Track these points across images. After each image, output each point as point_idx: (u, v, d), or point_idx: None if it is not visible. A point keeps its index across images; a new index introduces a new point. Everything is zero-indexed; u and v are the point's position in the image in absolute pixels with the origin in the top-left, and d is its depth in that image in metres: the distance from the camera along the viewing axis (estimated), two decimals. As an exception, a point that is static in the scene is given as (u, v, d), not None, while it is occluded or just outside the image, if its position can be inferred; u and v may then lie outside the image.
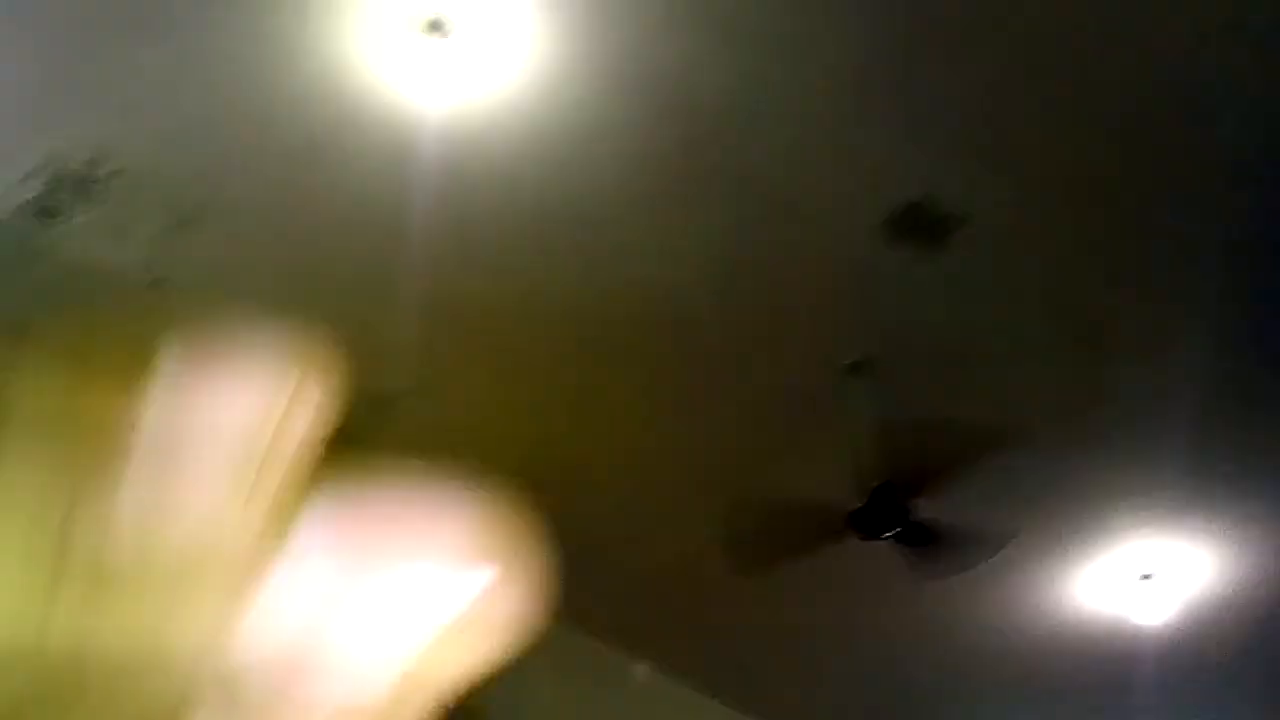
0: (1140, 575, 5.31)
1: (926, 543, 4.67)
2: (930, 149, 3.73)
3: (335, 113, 3.53)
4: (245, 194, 3.68)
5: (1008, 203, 3.91)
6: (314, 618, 0.41)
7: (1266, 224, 3.94)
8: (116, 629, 0.40)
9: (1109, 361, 4.42)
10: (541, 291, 4.05)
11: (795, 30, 3.40)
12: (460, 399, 4.46)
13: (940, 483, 4.67)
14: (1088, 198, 3.85)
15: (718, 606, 5.52)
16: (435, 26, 3.39)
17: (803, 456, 4.69)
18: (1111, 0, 3.35)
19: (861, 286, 4.08)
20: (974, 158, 3.73)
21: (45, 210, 3.55)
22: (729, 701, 6.18)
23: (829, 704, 6.21)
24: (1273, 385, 4.45)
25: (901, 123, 3.63)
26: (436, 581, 0.42)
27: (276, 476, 0.40)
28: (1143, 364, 4.37)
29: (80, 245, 3.59)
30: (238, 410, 0.39)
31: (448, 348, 4.23)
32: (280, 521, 0.40)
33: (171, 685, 0.40)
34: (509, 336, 4.24)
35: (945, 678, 6.05)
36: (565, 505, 4.94)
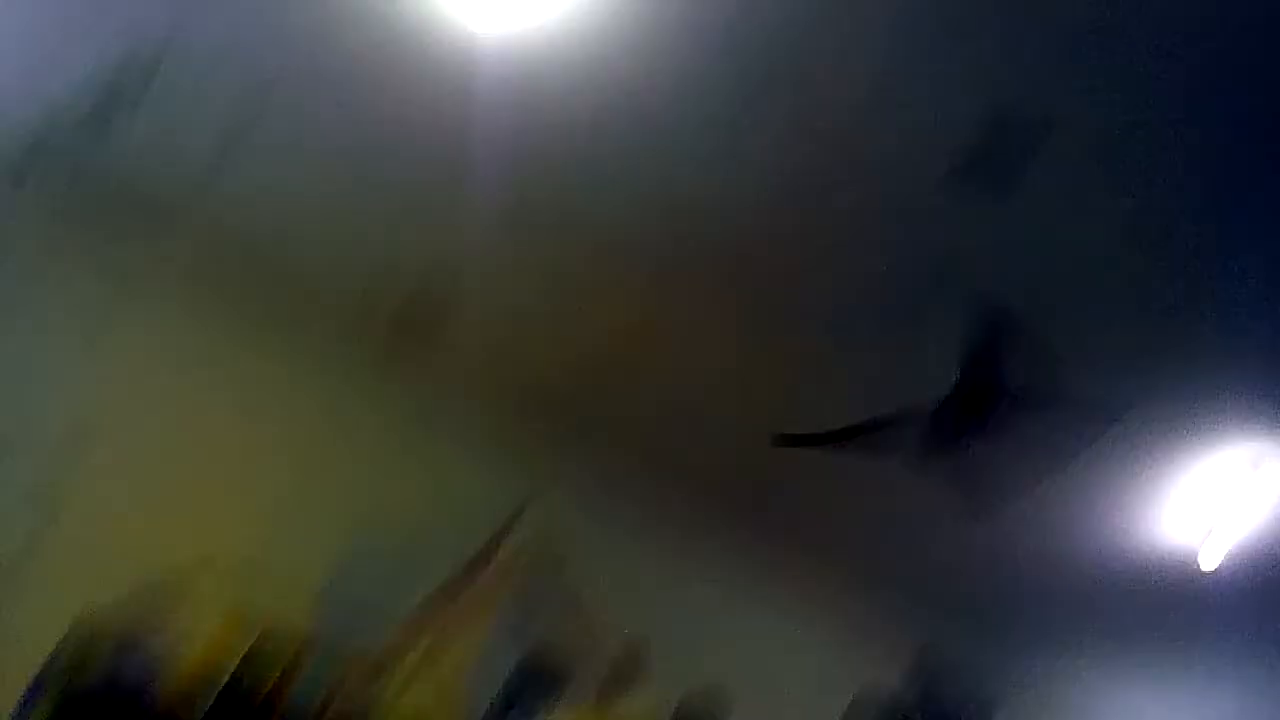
0: (1214, 513, 5.20)
1: (994, 463, 4.65)
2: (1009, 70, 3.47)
3: (394, 32, 3.42)
4: (300, 108, 3.63)
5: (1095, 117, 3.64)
6: None
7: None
8: None
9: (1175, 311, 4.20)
10: (595, 208, 3.98)
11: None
12: (511, 310, 4.47)
13: (1012, 402, 4.60)
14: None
15: (779, 517, 5.60)
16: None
17: (864, 377, 4.62)
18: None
19: (928, 218, 3.90)
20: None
21: (99, 122, 3.56)
22: (791, 613, 6.40)
23: (892, 619, 6.38)
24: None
25: (966, 55, 3.38)
26: None
27: None
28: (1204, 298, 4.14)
29: (132, 160, 3.61)
30: None
31: (499, 261, 4.21)
32: None
33: None
34: (561, 249, 4.22)
35: (1008, 605, 6.06)
36: (616, 415, 5.03)
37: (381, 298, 4.57)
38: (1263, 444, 4.81)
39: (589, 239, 4.18)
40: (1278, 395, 4.53)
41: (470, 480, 5.13)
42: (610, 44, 3.52)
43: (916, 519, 5.60)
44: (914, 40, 3.46)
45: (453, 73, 3.58)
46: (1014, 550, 5.61)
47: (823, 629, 6.38)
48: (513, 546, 5.10)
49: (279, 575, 4.33)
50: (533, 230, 4.18)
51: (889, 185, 3.90)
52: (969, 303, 4.27)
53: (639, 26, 3.46)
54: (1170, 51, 3.44)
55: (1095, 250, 4.11)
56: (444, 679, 4.65)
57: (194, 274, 4.47)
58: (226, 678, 3.88)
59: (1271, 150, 3.68)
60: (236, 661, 3.94)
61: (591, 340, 4.76)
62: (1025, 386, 4.39)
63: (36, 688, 3.66)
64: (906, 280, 4.30)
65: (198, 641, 4.05)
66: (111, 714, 3.75)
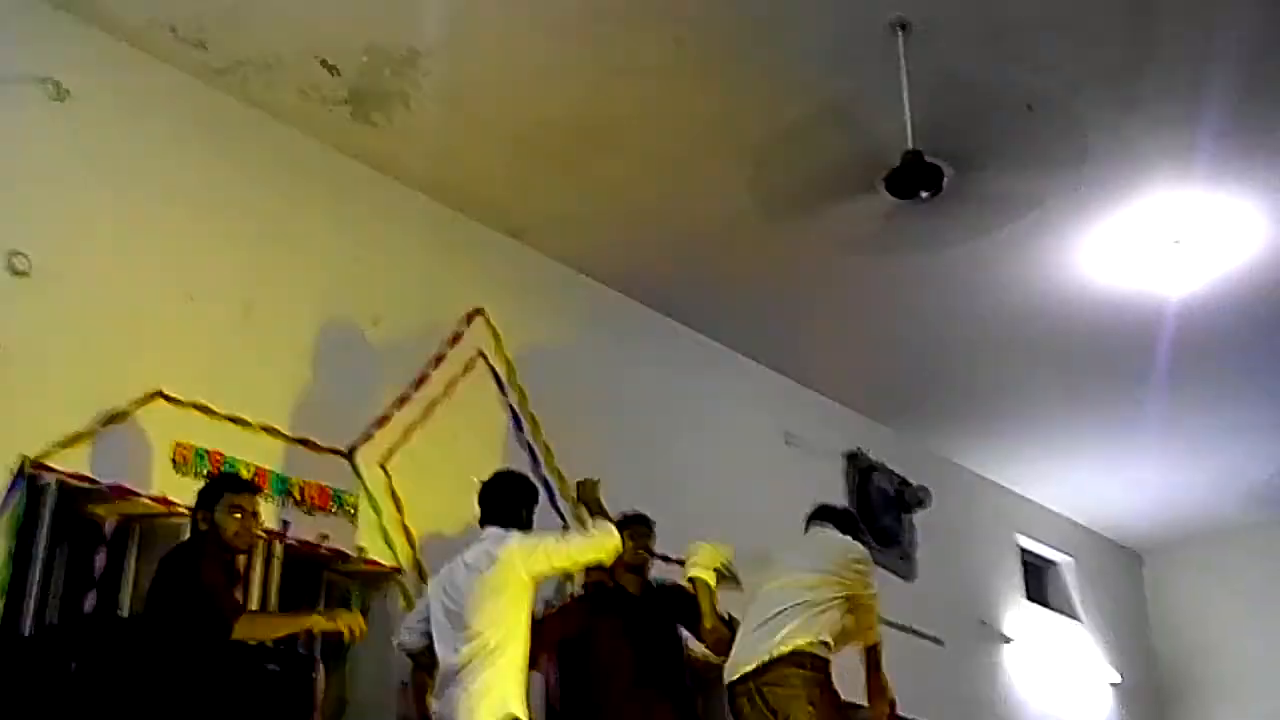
0: (1171, 240, 5.35)
1: (957, 204, 4.70)
2: None
3: None
4: None
5: None
6: None
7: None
8: None
9: (1155, 25, 4.26)
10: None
11: None
12: (486, 56, 4.33)
13: (974, 146, 4.65)
14: None
15: (752, 267, 5.61)
16: None
17: (837, 119, 4.61)
18: None
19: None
20: None
21: None
22: (761, 360, 6.44)
23: (859, 363, 6.47)
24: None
25: None
26: None
27: None
28: (1188, 26, 4.21)
29: None
30: None
31: (475, 4, 4.06)
32: None
33: None
34: (509, 26, 4.10)
35: (973, 341, 6.22)
36: (595, 167, 4.96)
37: (339, 76, 4.41)
38: (1223, 179, 4.98)
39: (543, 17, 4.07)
40: (1243, 130, 4.68)
41: (426, 283, 5.07)
42: None
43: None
44: None
45: None
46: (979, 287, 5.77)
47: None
48: (468, 348, 5.07)
49: (234, 397, 4.20)
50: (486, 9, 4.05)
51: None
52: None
53: None
54: None
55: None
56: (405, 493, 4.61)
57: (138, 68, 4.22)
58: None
59: None
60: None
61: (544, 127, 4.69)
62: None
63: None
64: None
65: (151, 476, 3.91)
66: (65, 552, 3.64)
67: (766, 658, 3.81)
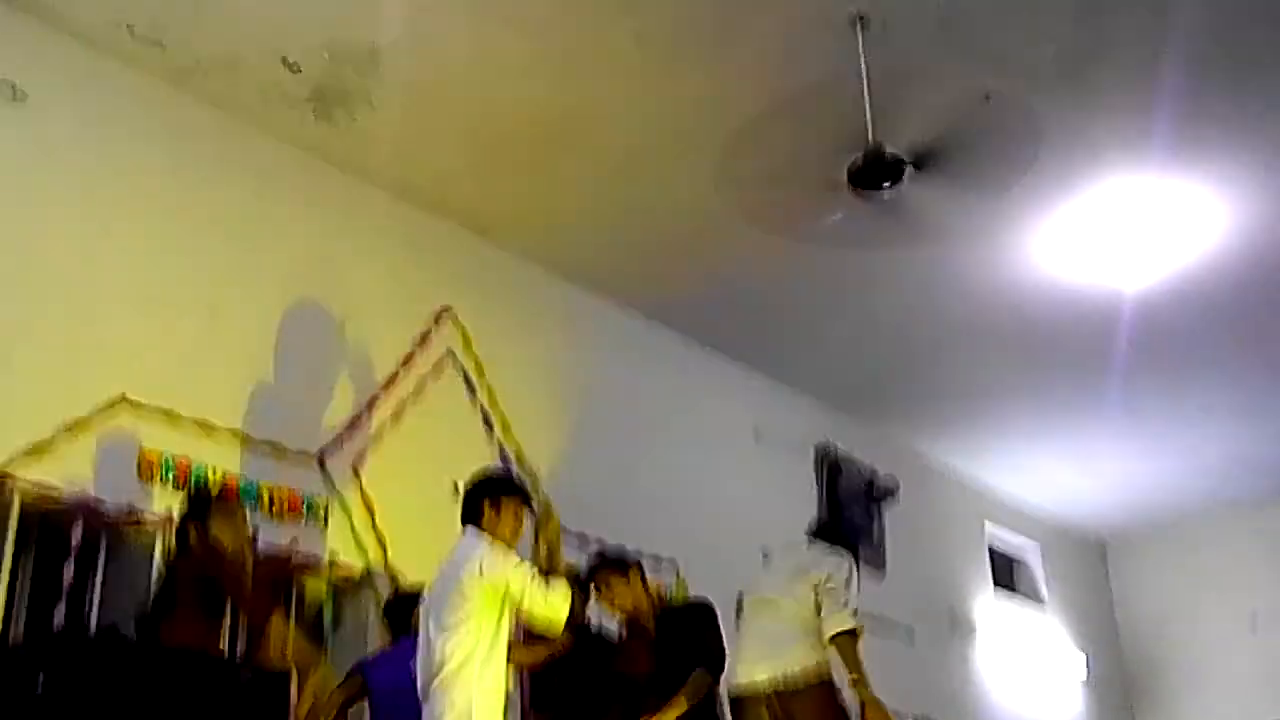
0: (1128, 229, 5.43)
1: (918, 197, 4.73)
2: None
3: None
4: None
5: None
6: None
7: None
8: None
9: (1108, 14, 4.33)
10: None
11: None
12: (449, 53, 4.31)
13: (934, 138, 4.68)
14: None
15: (719, 263, 5.61)
16: None
17: (799, 114, 4.63)
18: None
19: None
20: None
21: None
22: (731, 355, 6.46)
23: (826, 360, 6.51)
24: (1270, 35, 4.40)
25: None
26: None
27: None
28: (1141, 15, 4.28)
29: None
30: None
31: (437, 1, 4.04)
32: None
33: None
34: (478, 25, 4.07)
35: (936, 335, 6.27)
36: (560, 164, 4.95)
37: (301, 74, 4.36)
38: (1178, 166, 5.06)
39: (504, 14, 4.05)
40: (1198, 117, 4.76)
41: (393, 282, 5.04)
42: None
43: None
44: None
45: None
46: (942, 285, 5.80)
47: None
48: (437, 347, 5.05)
49: (200, 402, 4.14)
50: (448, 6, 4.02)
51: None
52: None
53: None
54: None
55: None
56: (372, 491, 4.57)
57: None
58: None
59: None
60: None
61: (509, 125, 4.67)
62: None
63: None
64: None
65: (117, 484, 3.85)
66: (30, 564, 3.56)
67: (785, 671, 3.87)
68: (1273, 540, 8.22)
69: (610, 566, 4.12)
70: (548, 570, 3.48)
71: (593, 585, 4.01)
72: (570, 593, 3.44)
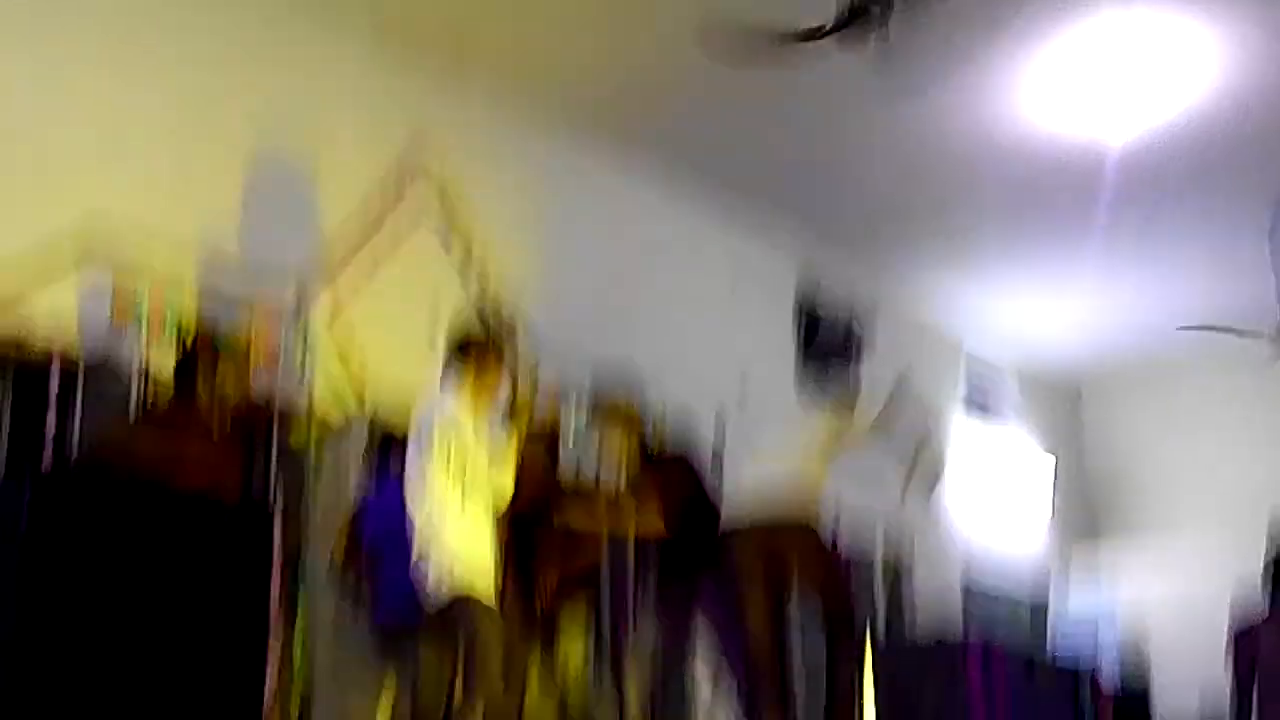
0: (1116, 78, 5.30)
1: (904, 41, 4.61)
2: None
3: None
4: None
5: None
6: None
7: None
8: None
9: None
10: None
11: None
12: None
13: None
14: None
15: (701, 110, 5.52)
16: None
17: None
18: None
19: None
20: None
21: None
22: (710, 202, 6.40)
23: (807, 205, 6.45)
24: None
25: None
26: None
27: None
28: None
29: None
30: None
31: None
32: None
33: None
34: None
35: (916, 187, 6.22)
36: (539, 3, 4.77)
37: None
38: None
39: None
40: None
41: (367, 119, 4.94)
42: None
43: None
44: None
45: None
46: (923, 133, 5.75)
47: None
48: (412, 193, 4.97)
49: (175, 249, 4.11)
50: None
51: None
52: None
53: None
54: None
55: None
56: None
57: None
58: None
59: None
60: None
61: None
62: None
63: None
64: None
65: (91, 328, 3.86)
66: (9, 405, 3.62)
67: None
68: (1240, 385, 8.35)
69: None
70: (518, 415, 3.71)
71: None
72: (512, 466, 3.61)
